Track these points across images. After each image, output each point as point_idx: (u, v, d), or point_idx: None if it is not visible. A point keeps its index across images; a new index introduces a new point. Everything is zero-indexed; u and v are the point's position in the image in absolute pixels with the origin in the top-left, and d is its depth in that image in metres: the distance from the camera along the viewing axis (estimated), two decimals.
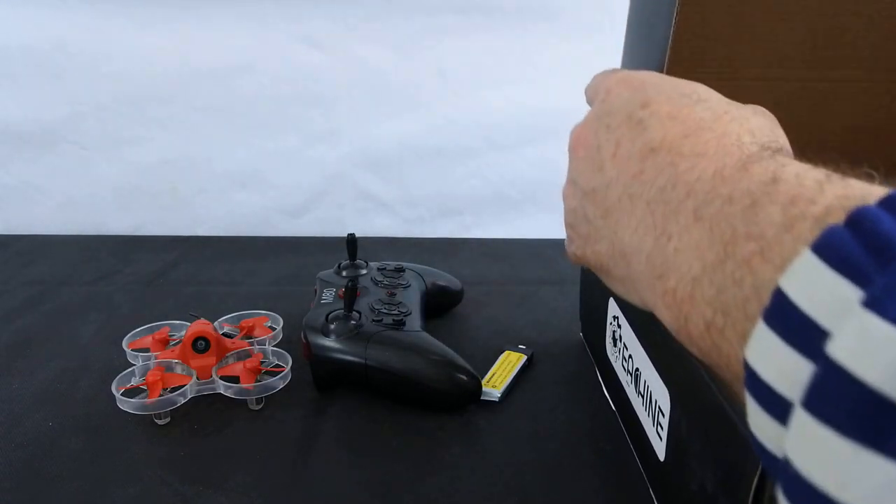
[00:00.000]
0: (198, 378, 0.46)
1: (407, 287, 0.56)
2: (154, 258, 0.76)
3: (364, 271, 0.57)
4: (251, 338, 0.53)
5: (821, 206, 0.18)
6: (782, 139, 0.27)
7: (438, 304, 0.60)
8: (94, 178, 0.86)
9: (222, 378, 0.46)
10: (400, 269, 0.58)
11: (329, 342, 0.47)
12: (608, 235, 0.28)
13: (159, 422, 0.44)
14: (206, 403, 0.46)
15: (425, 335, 0.49)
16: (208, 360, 0.47)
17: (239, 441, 0.43)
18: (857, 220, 0.16)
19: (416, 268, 0.60)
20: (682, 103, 0.27)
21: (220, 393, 0.46)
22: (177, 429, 0.44)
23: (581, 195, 0.31)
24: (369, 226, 0.89)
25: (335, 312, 0.48)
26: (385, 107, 0.86)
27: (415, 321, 0.50)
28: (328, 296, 0.53)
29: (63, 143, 0.84)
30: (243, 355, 0.49)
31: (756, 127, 0.26)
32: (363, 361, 0.46)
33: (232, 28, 0.81)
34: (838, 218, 0.17)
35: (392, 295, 0.53)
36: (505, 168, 0.88)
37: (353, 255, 0.58)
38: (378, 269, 0.58)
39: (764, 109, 0.29)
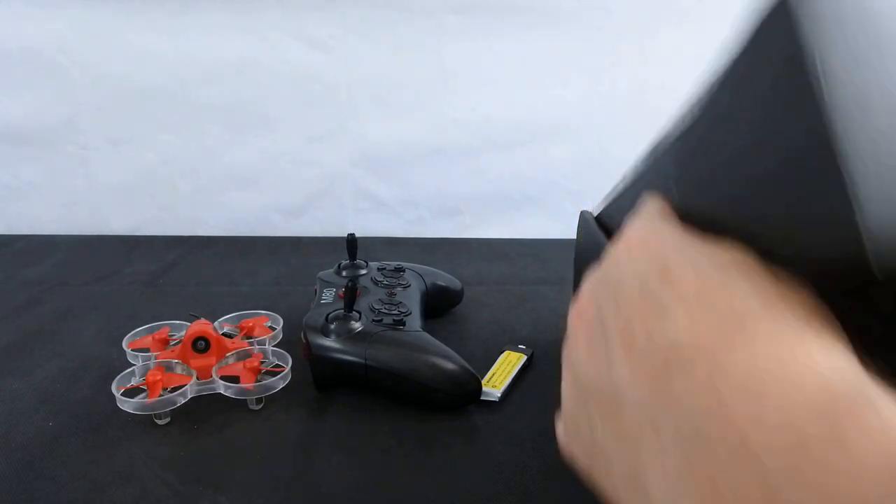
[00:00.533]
0: (198, 378, 0.46)
1: (407, 287, 0.56)
2: (154, 258, 0.76)
3: (364, 271, 0.57)
4: (251, 338, 0.53)
5: None
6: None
7: (438, 304, 0.60)
8: (94, 178, 0.86)
9: (222, 378, 0.46)
10: (400, 269, 0.58)
11: (329, 342, 0.47)
12: (626, 463, 0.20)
13: (159, 422, 0.44)
14: (206, 403, 0.46)
15: (425, 335, 0.49)
16: (208, 360, 0.47)
17: (239, 441, 0.43)
18: None
19: (416, 268, 0.60)
20: (714, 276, 0.19)
21: (220, 393, 0.46)
22: (177, 429, 0.44)
23: (583, 396, 0.23)
24: (369, 226, 0.89)
25: (335, 312, 0.48)
26: (385, 107, 0.86)
27: (415, 321, 0.50)
28: (328, 296, 0.53)
29: (63, 143, 0.84)
30: (243, 355, 0.49)
31: (818, 324, 0.18)
32: (363, 361, 0.46)
33: (232, 28, 0.81)
34: None
35: (392, 295, 0.53)
36: (505, 168, 0.88)
37: (353, 255, 0.58)
38: (378, 269, 0.58)
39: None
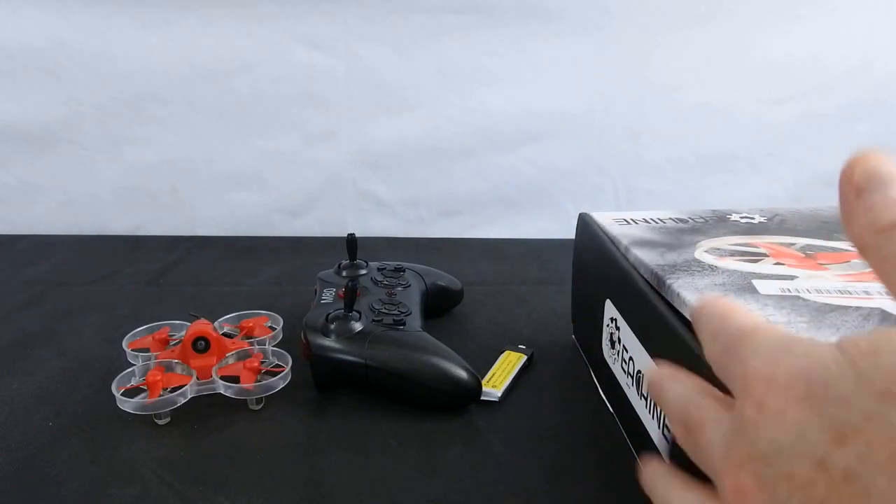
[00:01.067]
0: (198, 378, 0.46)
1: (407, 287, 0.56)
2: (154, 258, 0.76)
3: (364, 271, 0.57)
4: (251, 338, 0.53)
5: None
6: None
7: (438, 304, 0.60)
8: (94, 178, 0.86)
9: (222, 378, 0.46)
10: (400, 269, 0.58)
11: (329, 342, 0.47)
12: None
13: (159, 422, 0.44)
14: (206, 403, 0.46)
15: (425, 335, 0.49)
16: (208, 360, 0.47)
17: (239, 441, 0.43)
18: None
19: (416, 268, 0.60)
20: None
21: (220, 393, 0.46)
22: (177, 429, 0.44)
23: None
24: (369, 226, 0.89)
25: (335, 312, 0.48)
26: (385, 107, 0.86)
27: (415, 321, 0.50)
28: (328, 296, 0.53)
29: (63, 143, 0.84)
30: (243, 355, 0.49)
31: None
32: (363, 361, 0.46)
33: (232, 28, 0.81)
34: None
35: (392, 295, 0.53)
36: (505, 168, 0.88)
37: (353, 255, 0.58)
38: (378, 269, 0.58)
39: None
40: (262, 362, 0.49)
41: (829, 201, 0.93)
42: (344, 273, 0.57)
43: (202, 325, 0.48)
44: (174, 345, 0.51)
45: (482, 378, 0.48)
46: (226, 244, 0.82)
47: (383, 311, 0.50)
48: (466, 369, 0.46)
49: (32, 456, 0.41)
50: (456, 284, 0.62)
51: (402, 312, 0.50)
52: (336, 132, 0.86)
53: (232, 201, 0.88)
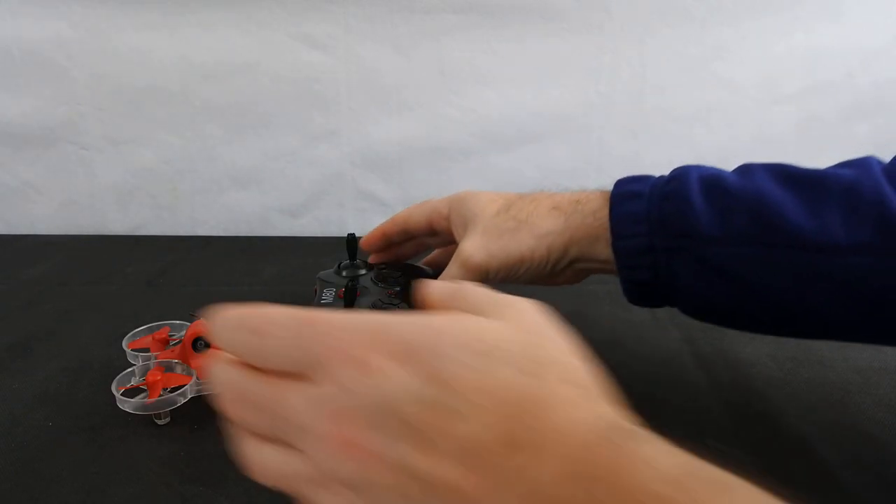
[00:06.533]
0: (198, 378, 0.46)
1: (407, 287, 0.55)
2: (154, 258, 0.76)
3: (364, 271, 0.57)
4: None
5: None
6: (601, 382, 0.24)
7: None
8: (94, 178, 0.86)
9: None
10: (400, 269, 0.58)
11: None
12: None
13: (159, 422, 0.44)
14: (206, 403, 0.46)
15: None
16: (208, 359, 0.47)
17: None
18: None
19: (417, 267, 0.60)
20: (481, 367, 0.22)
21: None
22: (177, 429, 0.44)
23: None
24: (369, 226, 0.89)
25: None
26: (385, 107, 0.86)
27: None
28: (328, 296, 0.53)
29: (63, 143, 0.84)
30: None
31: (578, 374, 0.23)
32: None
33: (232, 28, 0.81)
34: None
35: (392, 295, 0.53)
36: (505, 168, 0.88)
37: (353, 255, 0.58)
38: (378, 269, 0.58)
39: (562, 337, 0.25)
40: None
41: None
42: (344, 273, 0.57)
43: (202, 325, 0.48)
44: (174, 345, 0.51)
45: None
46: (226, 244, 0.82)
47: (383, 310, 0.50)
48: None
49: (32, 456, 0.41)
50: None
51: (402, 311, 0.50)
52: (336, 132, 0.86)
53: (232, 201, 0.88)
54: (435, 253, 0.61)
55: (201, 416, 0.45)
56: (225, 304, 0.26)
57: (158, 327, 0.53)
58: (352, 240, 0.58)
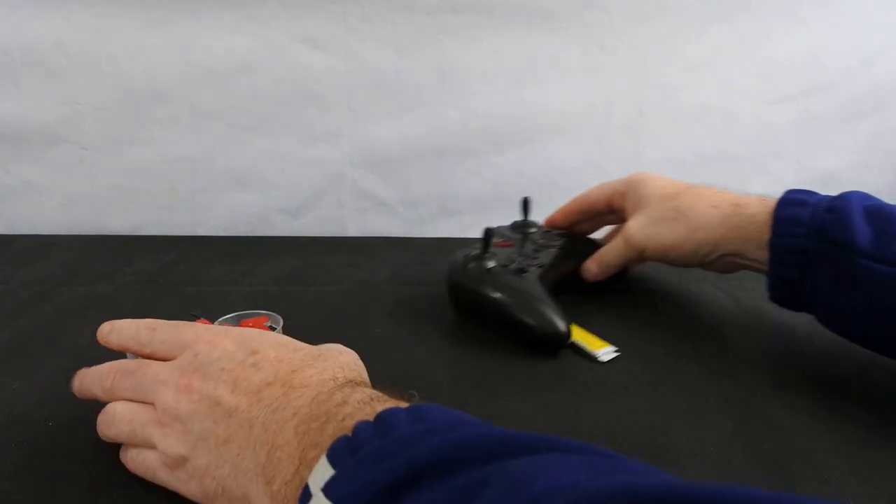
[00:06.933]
0: None
1: (558, 249, 0.61)
2: (154, 258, 0.76)
3: (534, 230, 0.65)
4: None
5: (356, 419, 0.29)
6: (363, 372, 0.37)
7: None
8: (94, 178, 0.86)
9: None
10: (564, 235, 0.64)
11: (460, 276, 0.56)
12: (230, 460, 0.32)
13: None
14: None
15: (533, 282, 0.54)
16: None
17: None
18: (375, 422, 0.28)
19: (580, 234, 0.67)
20: (285, 351, 0.36)
21: None
22: None
23: (200, 435, 0.33)
24: (369, 226, 0.89)
25: (474, 254, 0.56)
26: (385, 107, 0.86)
27: (534, 274, 0.55)
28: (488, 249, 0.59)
29: (63, 143, 0.84)
30: None
31: (345, 363, 0.36)
32: (477, 292, 0.54)
33: (232, 28, 0.81)
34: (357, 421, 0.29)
35: (537, 251, 0.60)
36: (505, 168, 0.88)
37: (525, 213, 0.66)
38: (545, 231, 0.65)
39: (346, 349, 0.39)
40: None
41: None
42: (515, 230, 0.65)
43: (204, 322, 0.48)
44: None
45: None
46: (226, 244, 0.82)
47: (517, 260, 0.57)
48: (557, 314, 0.51)
49: (32, 456, 0.41)
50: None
51: (531, 265, 0.56)
52: (336, 132, 0.86)
53: (232, 201, 0.88)
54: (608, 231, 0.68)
55: None
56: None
57: None
58: (526, 200, 0.66)
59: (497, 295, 0.53)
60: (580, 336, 0.53)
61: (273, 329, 0.54)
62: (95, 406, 0.46)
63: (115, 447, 0.42)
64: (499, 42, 0.83)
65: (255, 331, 0.37)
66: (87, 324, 0.59)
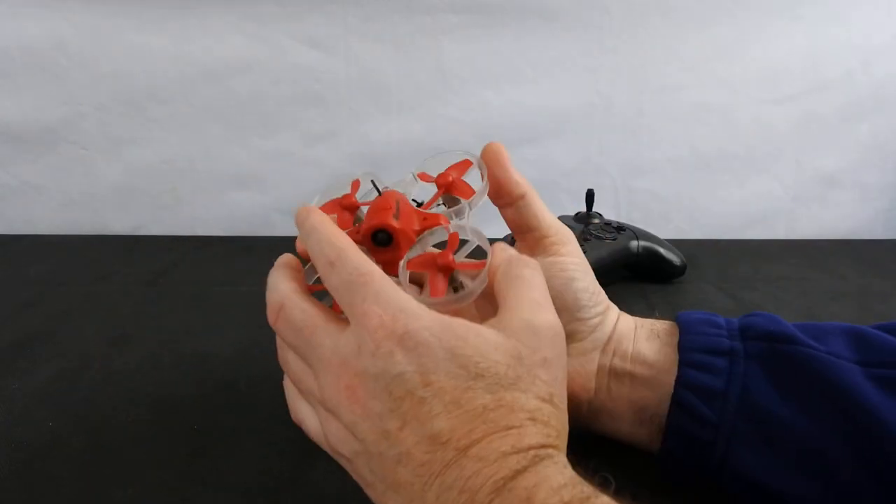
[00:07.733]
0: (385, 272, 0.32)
1: (608, 241, 0.65)
2: (154, 258, 0.76)
3: (596, 220, 0.69)
4: (452, 198, 0.40)
5: None
6: (558, 423, 0.29)
7: (653, 268, 0.69)
8: (94, 178, 0.86)
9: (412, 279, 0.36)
10: (621, 229, 0.68)
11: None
12: (393, 498, 0.28)
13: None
14: (206, 404, 0.46)
15: None
16: (393, 253, 0.36)
17: (239, 441, 0.43)
18: None
19: (639, 231, 0.69)
20: (462, 382, 0.28)
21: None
22: (177, 429, 0.44)
23: (363, 451, 0.29)
24: None
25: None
26: (385, 107, 0.86)
27: None
28: None
29: (63, 143, 0.84)
30: (437, 242, 0.37)
31: (534, 412, 0.28)
32: None
33: (232, 28, 0.81)
34: None
35: (586, 240, 0.64)
36: None
37: (589, 206, 0.70)
38: (604, 224, 0.69)
39: (549, 349, 0.30)
40: (461, 243, 0.37)
41: (829, 201, 0.93)
42: (578, 221, 0.69)
43: (385, 207, 0.38)
44: (358, 224, 0.39)
45: None
46: (226, 244, 0.82)
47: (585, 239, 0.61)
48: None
49: (32, 456, 0.41)
50: (675, 259, 0.69)
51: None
52: (336, 132, 0.86)
53: (232, 201, 0.88)
54: None
55: (202, 416, 0.45)
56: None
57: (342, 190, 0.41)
58: (590, 193, 0.70)
59: None
60: None
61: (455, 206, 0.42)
62: (95, 407, 0.46)
63: (115, 447, 0.42)
64: (499, 42, 0.83)
65: (428, 336, 0.28)
66: (87, 324, 0.59)
